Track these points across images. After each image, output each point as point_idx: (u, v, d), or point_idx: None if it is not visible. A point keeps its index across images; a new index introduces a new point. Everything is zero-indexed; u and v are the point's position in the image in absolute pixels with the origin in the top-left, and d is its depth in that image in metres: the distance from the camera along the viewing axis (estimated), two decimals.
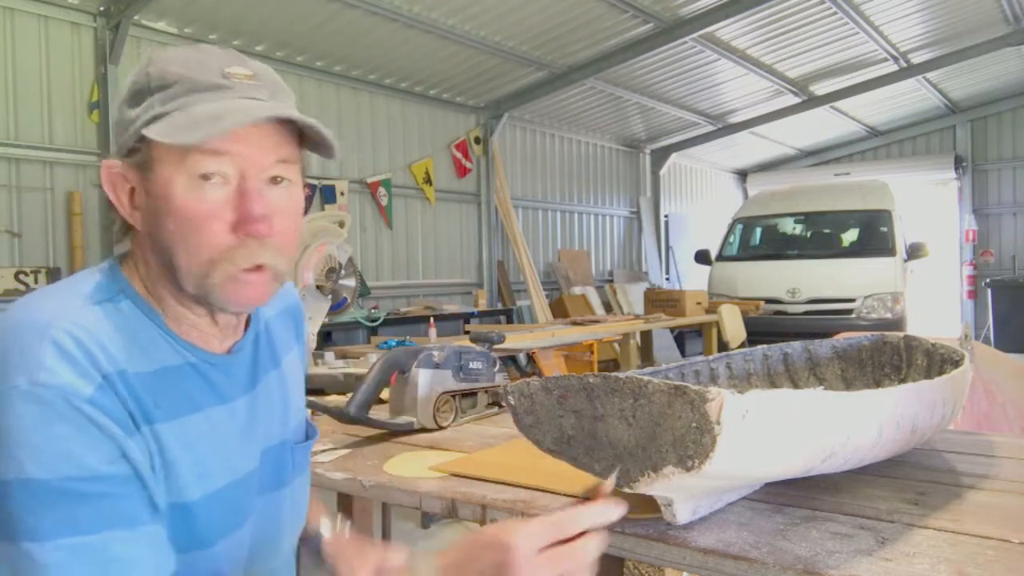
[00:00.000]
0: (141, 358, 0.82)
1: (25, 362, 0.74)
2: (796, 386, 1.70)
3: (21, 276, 4.93)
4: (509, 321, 8.17)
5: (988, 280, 10.48)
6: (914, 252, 8.55)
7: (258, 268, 0.84)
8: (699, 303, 7.59)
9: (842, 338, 1.78)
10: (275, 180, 0.86)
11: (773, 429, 0.93)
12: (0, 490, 0.71)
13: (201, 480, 0.84)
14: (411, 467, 1.44)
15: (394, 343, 4.53)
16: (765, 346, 1.75)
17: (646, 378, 0.96)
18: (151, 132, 0.79)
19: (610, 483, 0.81)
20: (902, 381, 1.62)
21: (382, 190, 7.26)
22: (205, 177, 0.81)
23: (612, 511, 0.78)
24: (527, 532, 0.74)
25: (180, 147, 0.80)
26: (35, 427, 0.72)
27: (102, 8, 5.29)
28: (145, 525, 0.77)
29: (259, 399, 0.95)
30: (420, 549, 0.79)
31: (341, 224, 2.82)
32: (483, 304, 8.10)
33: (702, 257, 9.66)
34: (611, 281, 10.41)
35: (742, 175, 14.25)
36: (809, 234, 9.43)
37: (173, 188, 0.81)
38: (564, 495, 1.22)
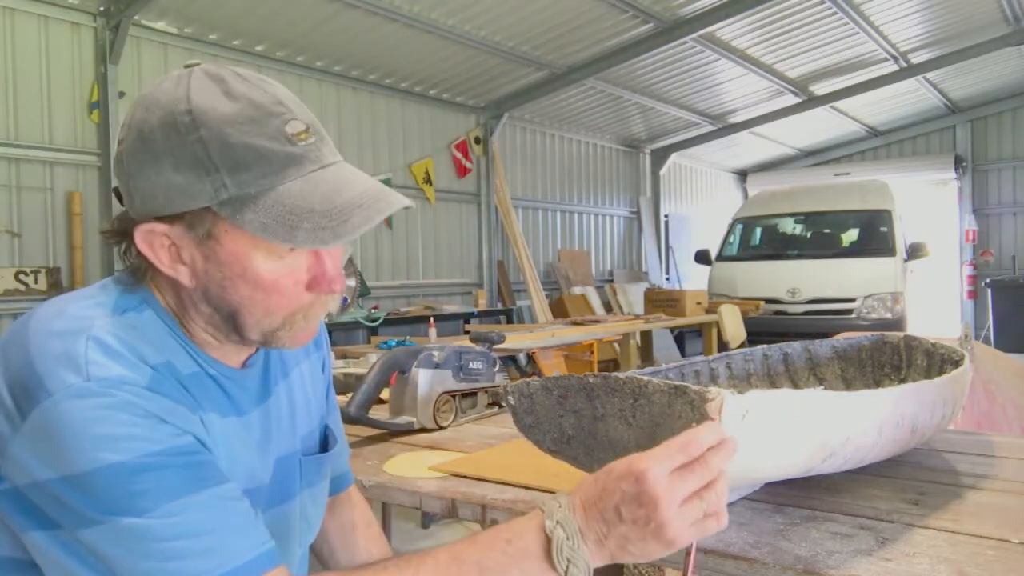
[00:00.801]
0: (172, 358, 0.84)
1: (73, 362, 0.74)
2: (796, 386, 1.70)
3: (21, 276, 4.93)
4: (509, 321, 8.17)
5: (988, 280, 10.48)
6: (914, 252, 8.55)
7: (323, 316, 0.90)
8: (699, 303, 7.59)
9: (842, 338, 1.78)
10: None
11: (773, 429, 0.93)
12: (81, 481, 0.72)
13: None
14: (411, 467, 1.44)
15: (394, 343, 4.53)
16: (765, 346, 1.74)
17: (646, 378, 0.96)
18: (255, 228, 0.77)
19: (711, 408, 0.83)
20: (902, 381, 1.62)
21: None
22: (289, 249, 0.82)
23: (725, 429, 0.80)
24: (656, 457, 0.75)
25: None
26: (98, 419, 0.73)
27: (102, 8, 5.29)
28: (228, 483, 0.79)
29: (271, 411, 0.96)
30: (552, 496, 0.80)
31: None
32: (483, 304, 8.09)
33: (702, 257, 9.66)
34: (611, 281, 10.41)
35: (742, 175, 14.25)
36: (809, 234, 9.43)
37: (252, 260, 0.81)
38: None
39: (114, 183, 0.87)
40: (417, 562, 0.78)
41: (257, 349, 0.96)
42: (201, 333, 0.87)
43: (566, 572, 0.76)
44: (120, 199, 0.86)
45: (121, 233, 0.85)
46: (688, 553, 0.81)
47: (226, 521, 0.76)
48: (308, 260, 0.84)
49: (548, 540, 0.77)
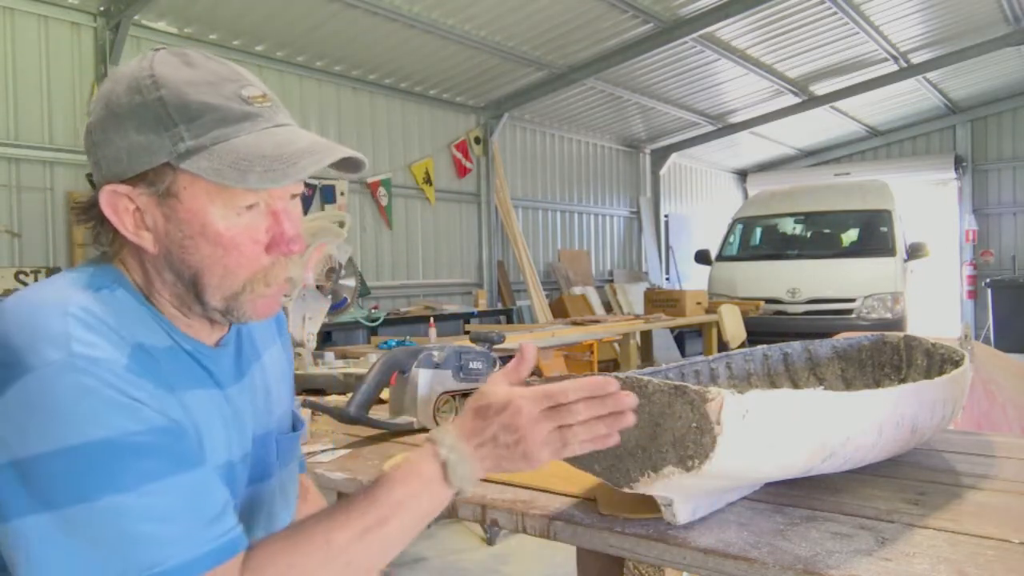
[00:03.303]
0: (147, 337, 0.85)
1: (53, 338, 0.75)
2: (796, 386, 1.70)
3: (21, 276, 4.93)
4: (509, 321, 8.16)
5: (988, 280, 10.48)
6: (914, 252, 8.55)
7: (284, 282, 0.91)
8: (699, 303, 7.59)
9: (842, 338, 1.78)
10: (292, 196, 0.91)
11: (773, 429, 0.93)
12: (67, 456, 0.72)
13: (210, 452, 0.87)
14: None
15: (394, 343, 4.53)
16: (765, 346, 1.74)
17: (646, 378, 0.96)
18: (209, 174, 0.81)
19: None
20: (902, 381, 1.62)
21: (382, 190, 7.25)
22: (247, 207, 0.85)
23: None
24: (528, 397, 0.87)
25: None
26: (83, 394, 0.73)
27: (102, 8, 5.29)
28: (205, 465, 0.81)
29: (246, 390, 0.98)
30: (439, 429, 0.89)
31: (341, 224, 2.82)
32: (483, 304, 8.09)
33: (702, 257, 9.66)
34: (611, 281, 10.40)
35: (742, 175, 14.25)
36: (809, 234, 9.43)
37: (210, 216, 0.84)
38: (564, 495, 1.22)
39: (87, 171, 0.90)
40: (342, 518, 0.82)
41: (229, 328, 0.97)
42: (169, 308, 0.89)
43: (460, 488, 0.88)
44: (93, 185, 0.88)
45: (90, 207, 0.87)
46: None
47: (195, 507, 0.76)
48: (267, 221, 0.87)
49: (444, 464, 0.87)
